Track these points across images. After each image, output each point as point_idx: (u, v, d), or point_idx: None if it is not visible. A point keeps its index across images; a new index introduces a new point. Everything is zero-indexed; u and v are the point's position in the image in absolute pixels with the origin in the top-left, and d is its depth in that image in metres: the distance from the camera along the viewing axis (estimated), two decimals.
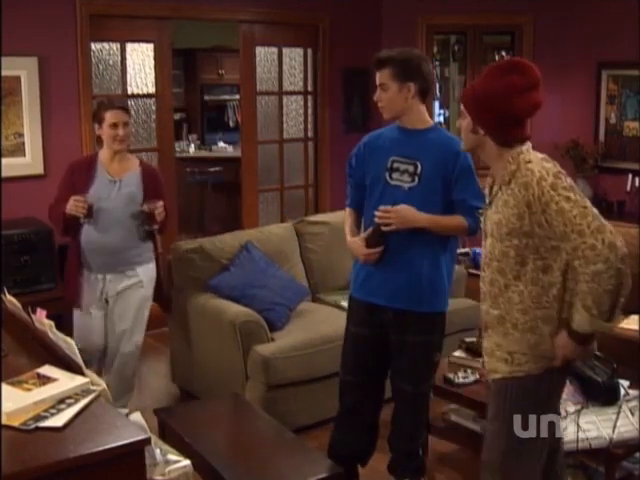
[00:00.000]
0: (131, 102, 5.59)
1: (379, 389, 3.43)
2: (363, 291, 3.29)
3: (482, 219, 2.66)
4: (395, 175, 3.19)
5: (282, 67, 6.37)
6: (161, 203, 3.81)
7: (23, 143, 4.95)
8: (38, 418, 1.99)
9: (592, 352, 2.70)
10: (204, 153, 9.31)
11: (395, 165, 3.19)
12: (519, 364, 2.51)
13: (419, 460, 3.47)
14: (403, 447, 3.42)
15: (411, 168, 3.17)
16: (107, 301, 3.88)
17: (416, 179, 3.16)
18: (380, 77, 3.20)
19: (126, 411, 2.48)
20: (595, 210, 2.36)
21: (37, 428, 1.95)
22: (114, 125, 3.76)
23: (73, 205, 3.67)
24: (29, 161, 4.99)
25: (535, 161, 2.45)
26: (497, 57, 6.91)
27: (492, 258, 2.54)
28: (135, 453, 1.96)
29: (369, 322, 3.29)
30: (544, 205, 2.35)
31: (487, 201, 2.61)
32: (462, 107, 2.59)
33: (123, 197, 3.80)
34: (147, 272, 3.93)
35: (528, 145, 2.52)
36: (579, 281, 2.36)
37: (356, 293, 3.35)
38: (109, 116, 3.75)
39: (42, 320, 2.38)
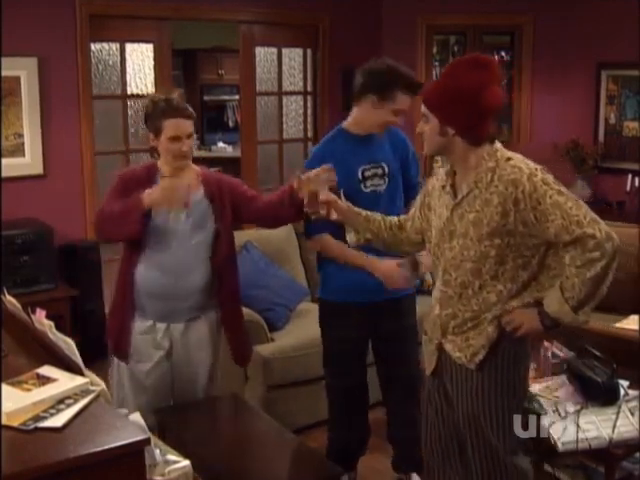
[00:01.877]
0: (130, 102, 5.60)
1: (365, 387, 3.46)
2: (360, 295, 3.24)
3: (442, 221, 2.53)
4: (368, 182, 3.22)
5: (282, 67, 6.38)
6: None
7: (23, 143, 4.95)
8: (37, 418, 1.98)
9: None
10: (204, 153, 9.29)
11: (366, 173, 3.22)
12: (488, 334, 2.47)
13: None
14: (408, 435, 3.38)
15: (379, 171, 3.23)
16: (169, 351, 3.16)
17: (386, 179, 3.24)
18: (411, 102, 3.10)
19: (126, 411, 2.48)
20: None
21: (36, 428, 1.95)
22: (176, 138, 2.95)
23: (165, 196, 2.81)
24: (29, 161, 4.99)
25: (516, 158, 2.43)
26: (497, 57, 6.90)
27: (464, 259, 2.46)
28: (135, 453, 1.96)
29: (357, 324, 3.29)
30: (535, 201, 2.32)
31: (454, 201, 2.49)
32: (424, 110, 2.47)
33: (191, 224, 3.05)
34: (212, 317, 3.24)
35: (499, 144, 2.48)
36: (568, 265, 2.33)
37: (342, 298, 3.29)
38: (169, 127, 2.94)
39: (42, 320, 2.37)
